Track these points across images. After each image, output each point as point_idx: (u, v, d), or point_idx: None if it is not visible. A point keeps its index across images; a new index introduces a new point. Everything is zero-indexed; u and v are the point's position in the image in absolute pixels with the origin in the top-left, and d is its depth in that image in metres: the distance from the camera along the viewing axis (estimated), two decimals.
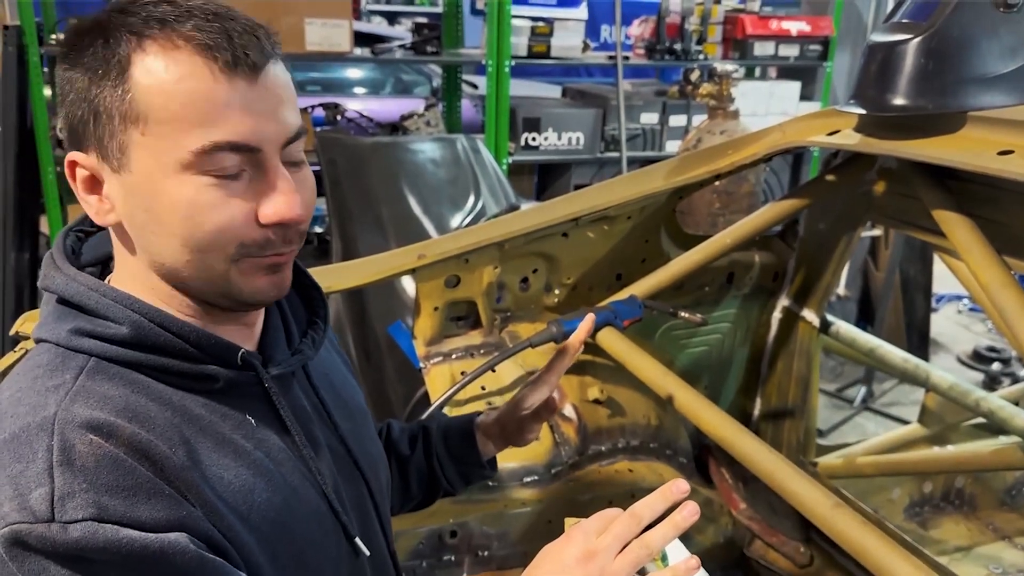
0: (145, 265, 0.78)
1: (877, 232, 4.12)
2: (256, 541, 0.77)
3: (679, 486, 0.81)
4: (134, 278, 0.80)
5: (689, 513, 0.79)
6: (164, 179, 0.72)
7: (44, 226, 3.64)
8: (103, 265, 0.85)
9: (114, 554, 0.67)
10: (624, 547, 0.79)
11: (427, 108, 4.06)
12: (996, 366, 4.43)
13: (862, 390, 4.02)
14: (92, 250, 0.85)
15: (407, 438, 1.19)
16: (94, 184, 0.77)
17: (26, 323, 1.41)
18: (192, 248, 0.75)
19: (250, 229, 0.75)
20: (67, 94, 0.75)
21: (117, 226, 0.79)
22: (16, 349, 1.35)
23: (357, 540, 0.90)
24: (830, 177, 1.78)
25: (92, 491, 0.67)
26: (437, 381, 1.64)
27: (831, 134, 1.59)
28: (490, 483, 1.54)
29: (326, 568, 0.87)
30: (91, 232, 0.88)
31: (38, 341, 0.80)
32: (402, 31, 4.66)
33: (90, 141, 0.75)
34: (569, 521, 1.04)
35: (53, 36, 3.44)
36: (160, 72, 0.71)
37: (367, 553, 0.91)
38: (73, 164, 0.76)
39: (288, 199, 0.75)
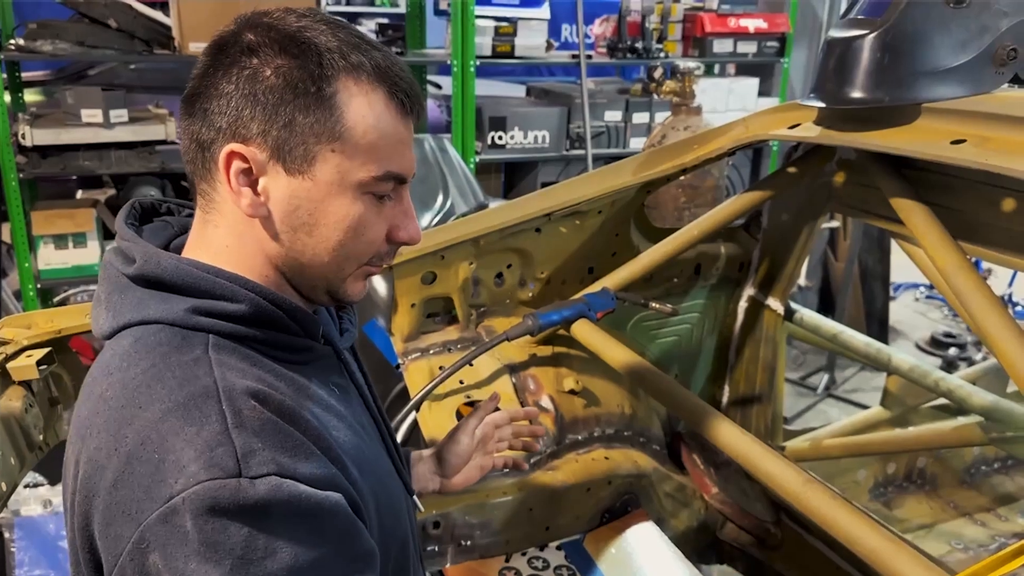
0: (266, 255, 0.84)
1: (836, 224, 4.21)
2: (365, 490, 0.83)
3: None
4: (240, 262, 0.84)
5: None
6: (341, 193, 0.83)
7: (6, 234, 3.59)
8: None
9: (295, 508, 0.71)
10: None
11: None
12: (953, 351, 4.55)
13: (825, 378, 4.11)
14: (153, 238, 0.89)
15: None
16: (248, 177, 0.81)
17: (5, 328, 1.40)
18: (340, 253, 0.84)
19: (382, 244, 0.88)
20: (252, 93, 0.79)
21: (263, 218, 0.83)
22: None
23: (415, 496, 1.01)
24: (791, 169, 1.83)
25: (267, 450, 0.72)
26: (415, 377, 1.66)
27: (792, 127, 1.64)
28: None
29: (404, 518, 0.96)
30: (133, 224, 0.91)
31: (135, 324, 0.82)
32: (365, 32, 4.66)
33: (265, 140, 0.80)
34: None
35: (12, 41, 3.40)
36: (367, 107, 0.82)
37: (421, 508, 1.02)
38: (233, 155, 0.80)
39: (416, 224, 0.90)
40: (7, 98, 3.38)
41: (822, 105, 1.49)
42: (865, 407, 3.38)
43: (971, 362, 4.39)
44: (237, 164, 0.81)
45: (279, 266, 0.85)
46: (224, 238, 0.85)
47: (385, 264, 0.91)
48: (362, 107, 0.81)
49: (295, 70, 0.79)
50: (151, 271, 0.82)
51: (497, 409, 1.35)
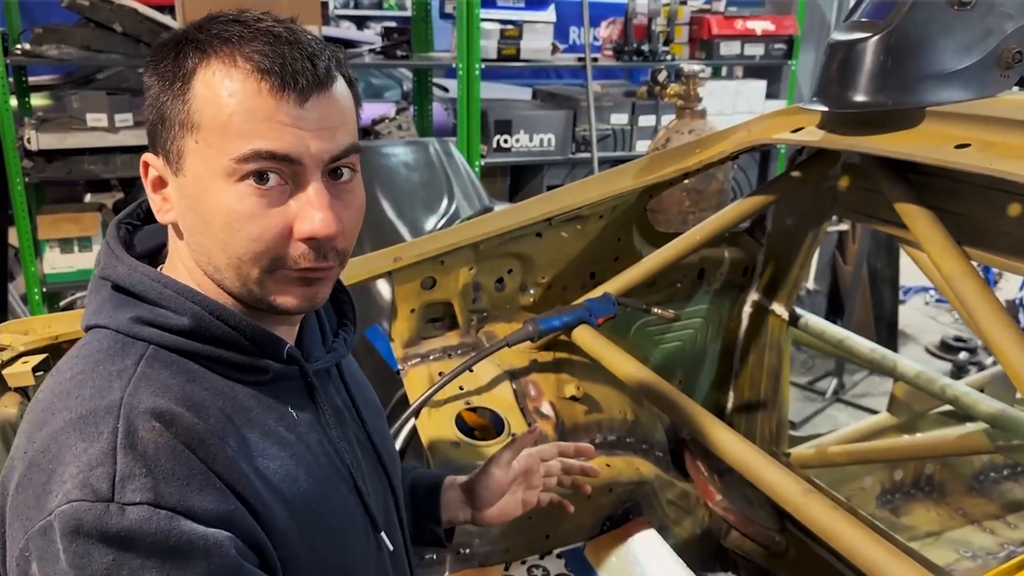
0: (195, 263, 0.82)
1: (844, 227, 4.19)
2: (297, 529, 0.80)
3: None
4: (189, 273, 0.83)
5: None
6: (211, 185, 0.77)
7: (13, 238, 3.60)
8: (151, 257, 0.88)
9: (162, 542, 0.68)
10: None
11: (398, 112, 4.08)
12: (963, 355, 4.52)
13: (833, 382, 4.08)
14: (143, 242, 0.89)
15: None
16: (160, 184, 0.82)
17: (2, 334, 1.40)
18: (230, 254, 0.78)
19: (284, 242, 0.78)
20: (146, 100, 0.81)
21: (174, 224, 0.83)
22: None
23: (382, 534, 0.93)
24: (796, 173, 1.82)
25: (150, 476, 0.69)
26: (415, 382, 1.65)
27: (795, 131, 1.63)
28: None
29: (356, 560, 0.90)
30: (137, 225, 0.91)
31: (93, 327, 0.82)
32: (371, 35, 4.66)
33: (158, 144, 0.80)
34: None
35: (18, 46, 3.41)
36: (216, 86, 0.76)
37: (391, 548, 0.94)
38: (146, 164, 0.82)
39: (323, 215, 0.77)
40: (13, 102, 3.39)
41: (825, 109, 1.48)
42: (874, 412, 3.36)
43: (981, 366, 4.35)
44: (151, 171, 0.82)
45: (208, 274, 0.82)
46: (172, 246, 0.86)
47: (319, 266, 0.80)
48: (212, 88, 0.76)
49: (165, 68, 0.78)
50: (109, 275, 0.83)
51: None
